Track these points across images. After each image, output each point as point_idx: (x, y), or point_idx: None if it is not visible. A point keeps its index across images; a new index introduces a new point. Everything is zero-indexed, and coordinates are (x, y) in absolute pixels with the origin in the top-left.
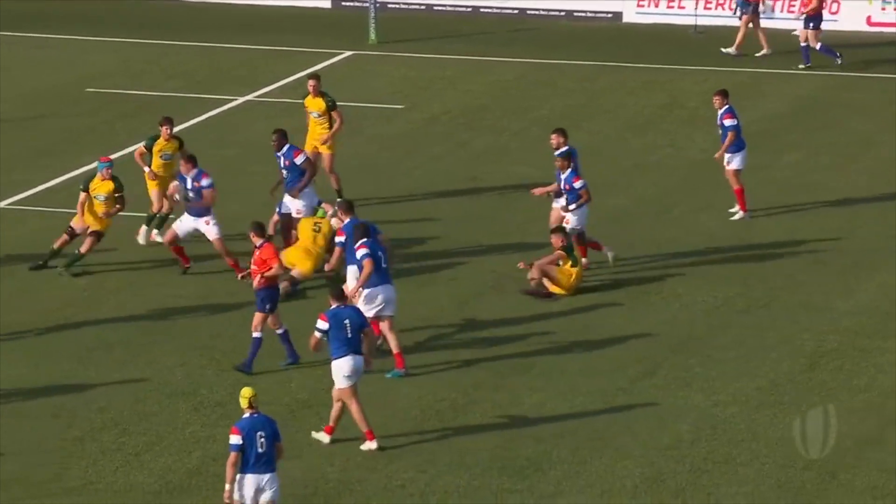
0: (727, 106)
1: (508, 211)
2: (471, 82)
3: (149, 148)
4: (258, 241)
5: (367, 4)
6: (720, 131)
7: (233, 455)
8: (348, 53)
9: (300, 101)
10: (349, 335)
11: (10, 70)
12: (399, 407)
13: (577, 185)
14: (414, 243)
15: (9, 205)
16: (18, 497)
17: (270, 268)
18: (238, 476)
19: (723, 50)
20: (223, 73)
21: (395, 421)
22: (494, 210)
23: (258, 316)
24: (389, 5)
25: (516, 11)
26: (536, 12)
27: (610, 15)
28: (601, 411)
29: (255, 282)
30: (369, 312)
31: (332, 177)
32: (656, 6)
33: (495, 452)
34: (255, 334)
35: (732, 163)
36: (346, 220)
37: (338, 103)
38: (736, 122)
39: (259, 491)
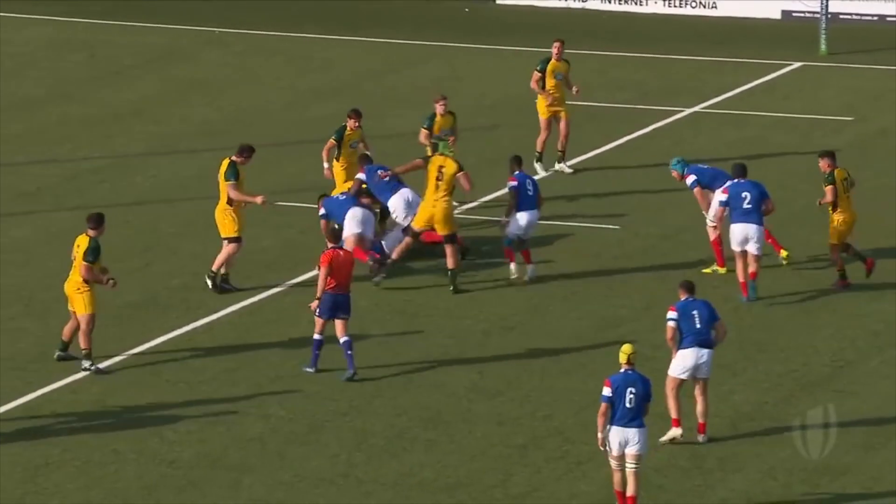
0: None
1: None
2: None
3: (338, 140)
4: (330, 246)
5: (819, 16)
6: None
7: (602, 405)
8: (798, 64)
9: (748, 112)
10: (697, 325)
11: (466, 80)
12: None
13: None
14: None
15: (458, 214)
16: (463, 501)
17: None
18: (606, 427)
19: None
20: (672, 85)
21: (844, 439)
22: None
23: (317, 321)
24: (841, 16)
25: None
26: None
27: None
28: None
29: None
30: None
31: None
32: None
33: None
34: (315, 336)
35: None
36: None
37: (785, 115)
38: None
39: (624, 444)
